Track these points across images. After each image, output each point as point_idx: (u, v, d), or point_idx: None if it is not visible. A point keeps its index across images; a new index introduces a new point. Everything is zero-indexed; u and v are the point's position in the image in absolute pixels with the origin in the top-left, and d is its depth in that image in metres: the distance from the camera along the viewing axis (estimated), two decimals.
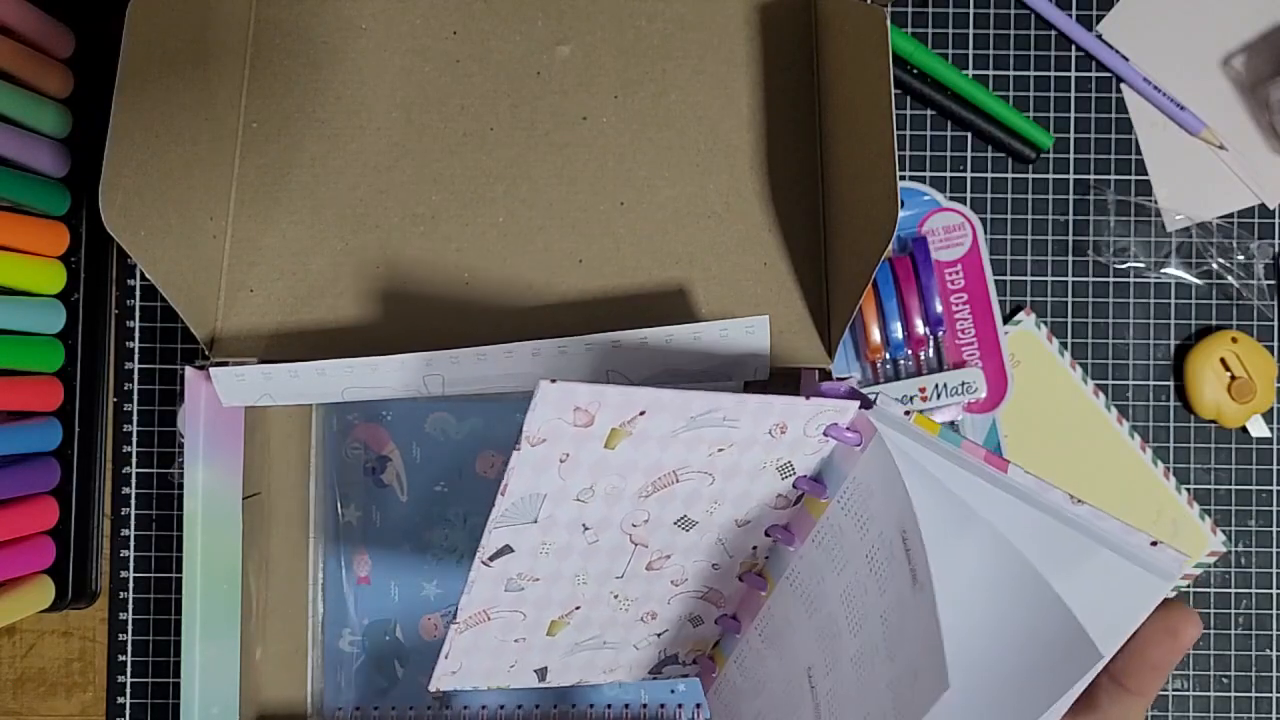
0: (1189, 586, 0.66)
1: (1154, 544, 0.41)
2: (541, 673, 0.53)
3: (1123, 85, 0.67)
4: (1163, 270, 0.66)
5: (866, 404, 0.45)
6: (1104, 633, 0.40)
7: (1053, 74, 0.67)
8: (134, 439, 0.66)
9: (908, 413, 0.44)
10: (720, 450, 0.46)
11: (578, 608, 0.51)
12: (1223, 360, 0.65)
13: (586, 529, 0.48)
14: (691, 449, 0.46)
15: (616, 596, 0.51)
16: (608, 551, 0.49)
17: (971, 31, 0.67)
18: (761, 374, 0.55)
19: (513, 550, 0.47)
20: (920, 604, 0.40)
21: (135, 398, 0.66)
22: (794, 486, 0.48)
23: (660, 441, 0.45)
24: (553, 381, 0.42)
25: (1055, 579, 0.41)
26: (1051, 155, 0.67)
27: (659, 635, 0.54)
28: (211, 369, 0.53)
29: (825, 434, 0.46)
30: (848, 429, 0.46)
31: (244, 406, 0.56)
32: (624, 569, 0.50)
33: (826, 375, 0.56)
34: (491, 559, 0.47)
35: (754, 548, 0.51)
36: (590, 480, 0.46)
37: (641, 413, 0.44)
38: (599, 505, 0.47)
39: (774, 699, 0.50)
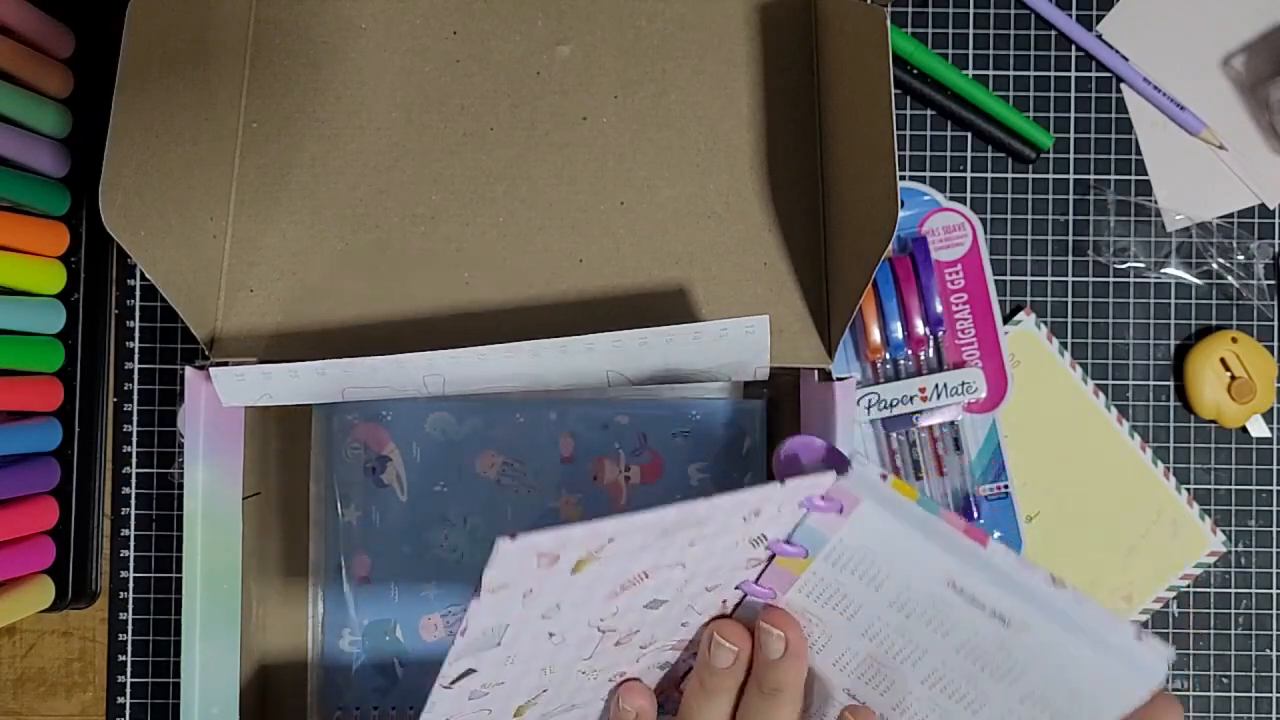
0: (1189, 586, 0.66)
1: (1139, 637, 0.39)
2: None
3: (1123, 85, 0.67)
4: (1163, 270, 0.66)
5: (843, 464, 0.43)
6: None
7: (1053, 74, 0.67)
8: (134, 439, 0.66)
9: (884, 476, 0.42)
10: (692, 545, 0.44)
11: (545, 690, 0.48)
12: (1223, 360, 0.65)
13: (552, 635, 0.45)
14: (663, 553, 0.44)
15: (584, 673, 0.49)
16: (575, 645, 0.47)
17: (971, 31, 0.67)
18: (761, 374, 0.55)
19: (475, 671, 0.45)
20: (1027, 639, 0.41)
21: (135, 398, 0.66)
22: (766, 550, 0.47)
23: (630, 555, 0.43)
24: (512, 538, 0.39)
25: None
26: (1051, 155, 0.67)
27: None
28: (211, 369, 0.53)
29: (800, 505, 0.44)
30: (823, 499, 0.44)
31: (244, 406, 0.56)
32: (592, 652, 0.48)
33: (827, 375, 0.56)
34: (453, 684, 0.45)
35: (723, 601, 0.49)
36: (556, 599, 0.43)
37: (610, 540, 0.41)
38: (566, 614, 0.44)
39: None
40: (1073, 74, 0.67)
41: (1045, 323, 0.66)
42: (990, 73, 0.67)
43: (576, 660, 0.48)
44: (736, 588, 0.48)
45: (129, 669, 0.65)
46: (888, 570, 0.43)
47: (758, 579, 0.48)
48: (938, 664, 0.44)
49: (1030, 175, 0.67)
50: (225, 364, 0.56)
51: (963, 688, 0.43)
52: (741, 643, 0.47)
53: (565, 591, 0.43)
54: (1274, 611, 0.66)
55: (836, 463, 0.43)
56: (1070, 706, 0.41)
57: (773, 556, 0.46)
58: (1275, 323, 0.66)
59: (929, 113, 0.67)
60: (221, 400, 0.54)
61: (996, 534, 0.64)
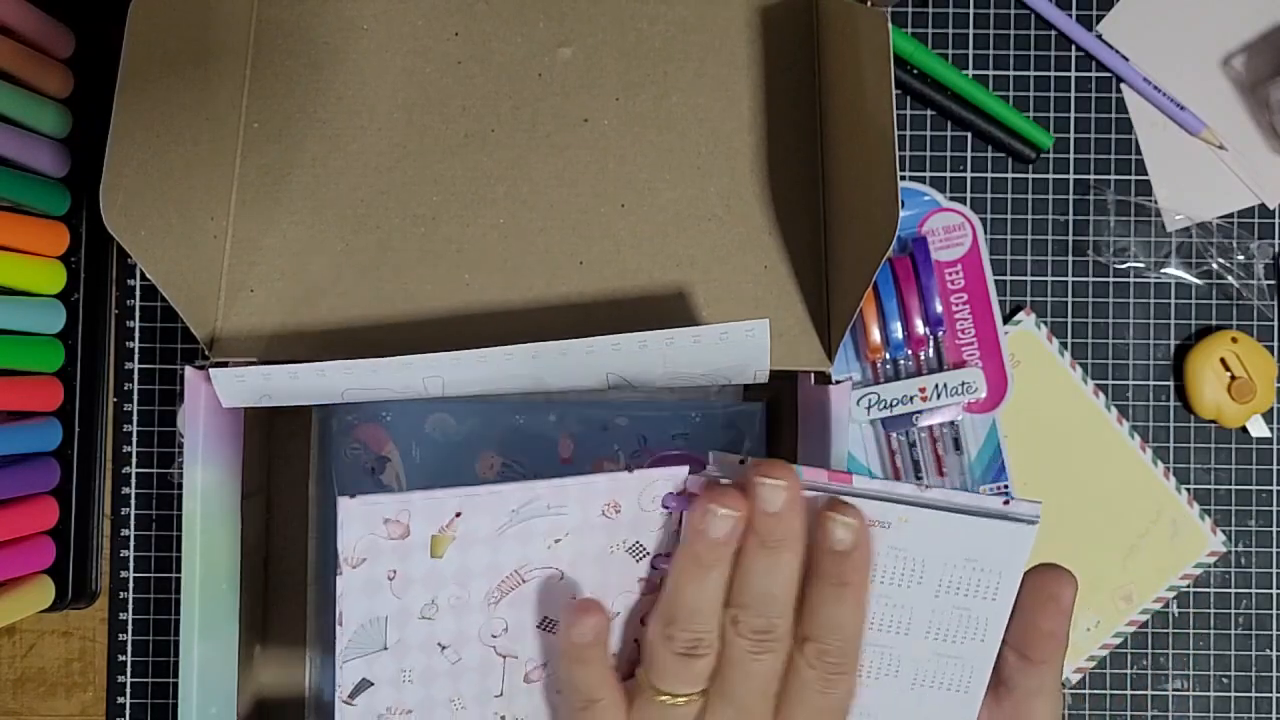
0: (1189, 586, 0.66)
1: (1006, 502, 0.42)
2: None
3: (1123, 85, 0.67)
4: (1163, 270, 0.66)
5: (698, 466, 0.44)
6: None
7: (1053, 74, 0.67)
8: (134, 439, 0.66)
9: (742, 461, 0.43)
10: (557, 540, 0.45)
11: None
12: (1223, 360, 0.65)
13: (444, 648, 0.45)
14: (526, 544, 0.44)
15: (503, 718, 0.48)
16: (476, 669, 0.47)
17: (971, 31, 0.67)
18: (761, 377, 0.54)
19: (372, 684, 0.45)
20: (910, 532, 0.43)
21: (135, 398, 0.66)
22: (654, 567, 0.47)
23: (488, 542, 0.44)
24: (352, 497, 0.42)
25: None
26: (1051, 155, 0.67)
27: None
28: (211, 370, 0.53)
29: (664, 506, 0.45)
30: (687, 495, 0.44)
31: (244, 407, 0.56)
32: (500, 686, 0.47)
33: (826, 378, 0.56)
34: (352, 696, 0.45)
35: (635, 641, 0.48)
36: (429, 595, 0.44)
37: (457, 514, 0.43)
38: (448, 620, 0.45)
39: None
40: (1073, 74, 0.67)
41: (1045, 323, 0.66)
42: (990, 73, 0.67)
43: (488, 697, 0.47)
44: (643, 623, 0.48)
45: (129, 669, 0.65)
46: None
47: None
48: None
49: (1030, 175, 0.67)
50: (225, 364, 0.56)
51: (885, 615, 0.44)
52: (740, 507, 0.42)
53: (436, 583, 0.44)
54: (1274, 611, 0.66)
55: (689, 461, 0.45)
56: (976, 578, 0.42)
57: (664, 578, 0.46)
58: (1275, 323, 0.67)
59: (929, 113, 0.67)
60: (221, 401, 0.54)
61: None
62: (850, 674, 0.42)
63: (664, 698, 0.43)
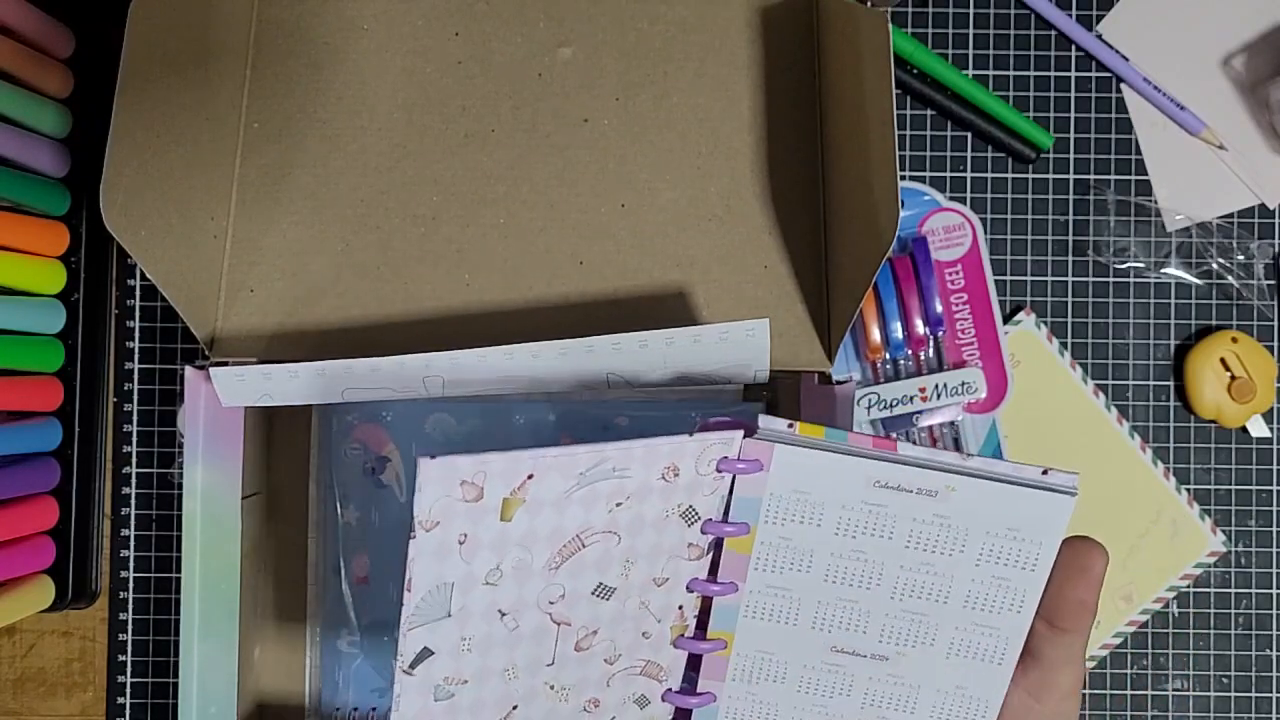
0: (1189, 586, 0.66)
1: (1044, 472, 0.43)
2: None
3: (1123, 85, 0.67)
4: (1163, 270, 0.66)
5: (750, 430, 0.45)
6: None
7: (1053, 74, 0.67)
8: (134, 439, 0.66)
9: (791, 425, 0.44)
10: (619, 505, 0.45)
11: (515, 707, 0.48)
12: (1223, 360, 0.65)
13: (503, 615, 0.46)
14: (589, 508, 0.45)
15: (553, 688, 0.49)
16: (531, 636, 0.47)
17: (971, 31, 0.67)
18: (761, 377, 0.54)
19: (433, 653, 0.45)
20: (955, 501, 0.43)
21: (135, 398, 0.66)
22: (703, 532, 0.47)
23: (556, 505, 0.44)
24: (433, 457, 0.42)
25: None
26: (1051, 155, 0.67)
27: None
28: (211, 369, 0.53)
29: (719, 470, 0.46)
30: (741, 460, 0.45)
31: (244, 406, 0.56)
32: (553, 654, 0.48)
33: (826, 378, 0.56)
34: (413, 666, 0.45)
35: (680, 607, 0.49)
36: (495, 559, 0.44)
37: (530, 476, 0.43)
38: (510, 586, 0.45)
39: (796, 699, 0.50)
40: (1073, 74, 0.67)
41: (1045, 323, 0.66)
42: (990, 73, 0.67)
43: (539, 667, 0.48)
44: (690, 590, 0.48)
45: (129, 669, 0.65)
46: (821, 501, 0.45)
47: (712, 576, 0.48)
48: (897, 571, 0.45)
49: (1030, 175, 0.67)
50: (225, 364, 0.56)
51: (926, 582, 0.45)
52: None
53: (503, 547, 0.44)
54: (1274, 611, 0.66)
55: (743, 425, 0.45)
56: (1017, 548, 0.43)
57: (720, 544, 0.47)
58: (1275, 323, 0.67)
59: (929, 113, 0.67)
60: (221, 400, 0.54)
61: None
62: None
63: None
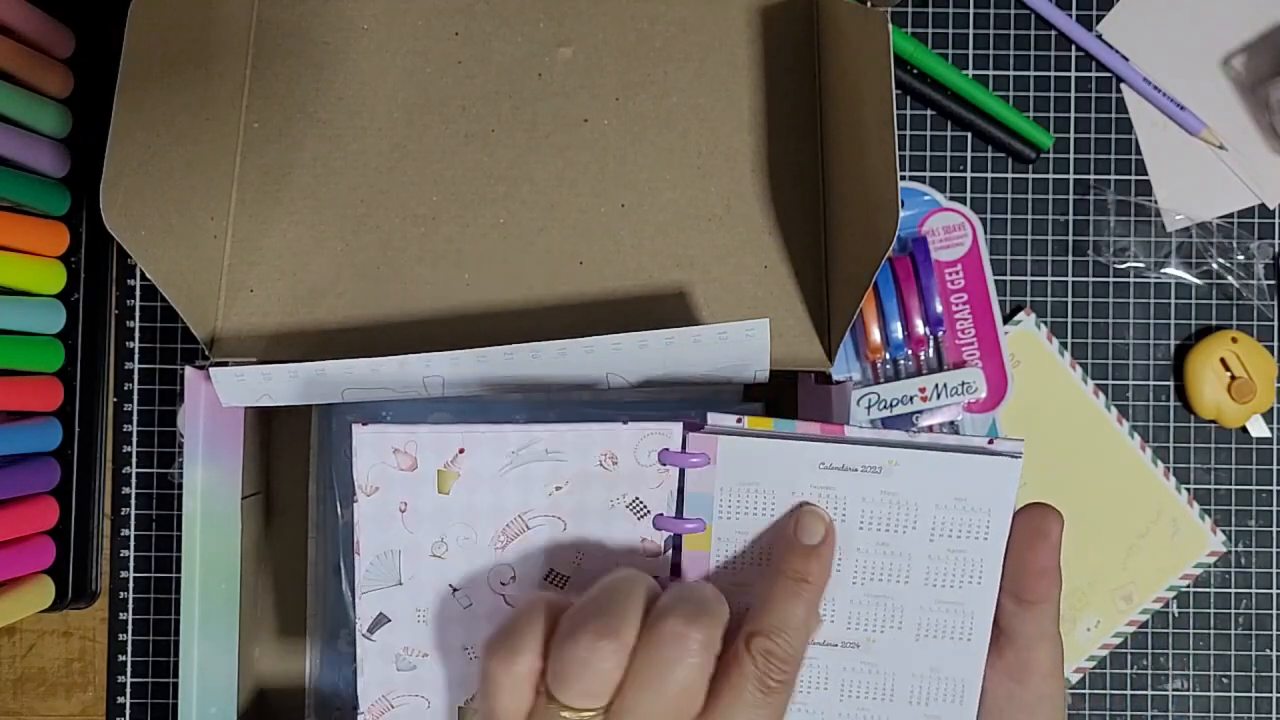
0: (1189, 586, 0.66)
1: (990, 441, 0.43)
2: None
3: (1123, 85, 0.67)
4: (1163, 270, 0.66)
5: (694, 426, 0.46)
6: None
7: (1053, 74, 0.67)
8: (134, 439, 0.66)
9: (739, 419, 0.45)
10: (558, 488, 0.47)
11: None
12: (1223, 360, 0.65)
13: (455, 590, 0.48)
14: (527, 490, 0.47)
15: None
16: (486, 617, 0.48)
17: (971, 31, 0.67)
18: (761, 377, 0.54)
19: (389, 620, 0.48)
20: (901, 475, 0.44)
21: (135, 398, 0.66)
22: (656, 528, 0.48)
23: (492, 482, 0.46)
24: (364, 424, 0.45)
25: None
26: (1051, 155, 0.67)
27: None
28: (211, 369, 0.53)
29: (661, 462, 0.46)
30: (687, 453, 0.46)
31: (244, 407, 0.56)
32: None
33: (826, 378, 0.56)
34: (371, 630, 0.48)
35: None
36: (438, 532, 0.47)
37: (460, 450, 0.46)
38: (458, 561, 0.47)
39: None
40: (1073, 74, 0.67)
41: (1045, 323, 0.66)
42: (990, 73, 0.67)
43: None
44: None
45: (129, 669, 0.65)
46: (770, 490, 0.45)
47: (675, 573, 0.48)
48: (854, 554, 0.45)
49: (1030, 175, 0.67)
50: (225, 364, 0.56)
51: (884, 564, 0.45)
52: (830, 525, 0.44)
53: (444, 520, 0.46)
54: (1274, 611, 0.66)
55: (684, 420, 0.46)
56: (967, 518, 0.44)
57: (678, 544, 0.48)
58: (1275, 323, 0.67)
59: (929, 113, 0.67)
60: (221, 401, 0.54)
61: None
62: (788, 687, 0.40)
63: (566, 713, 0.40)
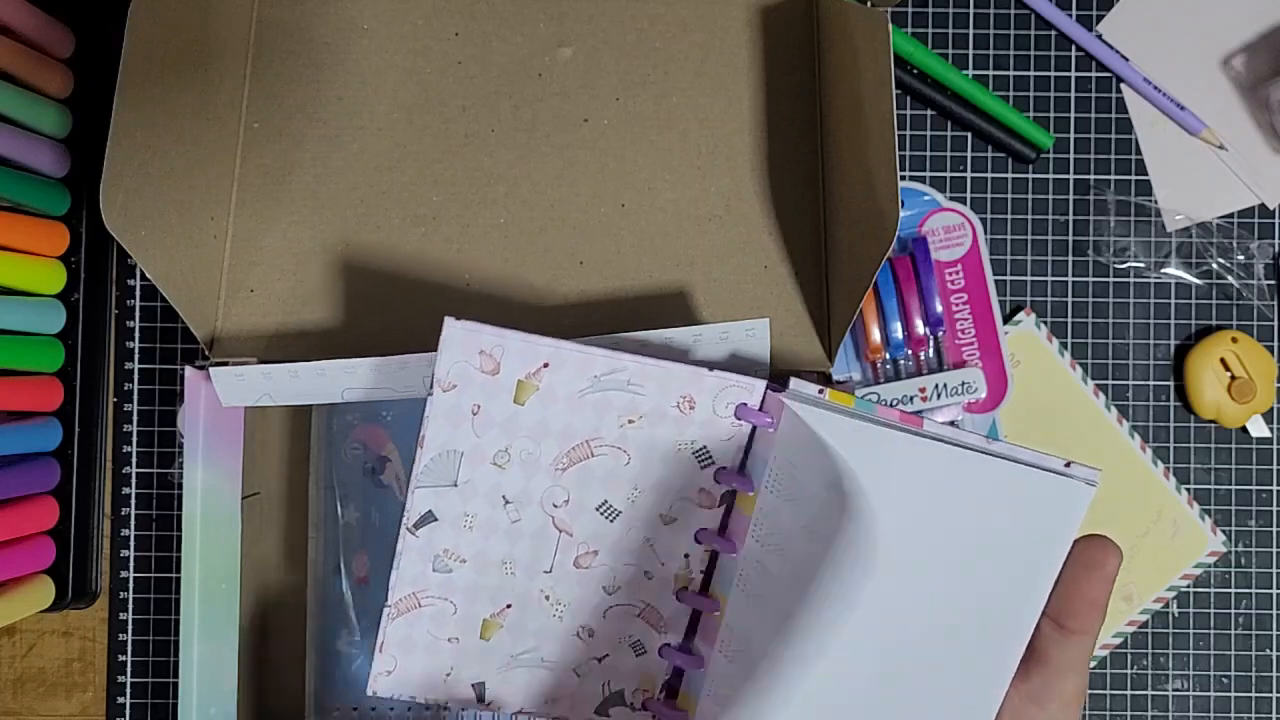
0: (1189, 586, 0.66)
1: (1067, 464, 0.42)
2: (480, 689, 0.52)
3: (1123, 85, 0.67)
4: (1163, 270, 0.66)
5: (778, 388, 0.46)
6: (1041, 545, 0.42)
7: (1053, 74, 0.67)
8: (134, 439, 0.66)
9: (821, 391, 0.44)
10: (630, 422, 0.47)
11: (509, 606, 0.51)
12: (1223, 360, 0.65)
13: (508, 503, 0.49)
14: (601, 416, 0.47)
15: (548, 599, 0.50)
16: (532, 536, 0.49)
17: (971, 31, 0.67)
18: (761, 376, 0.55)
19: (436, 519, 0.48)
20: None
21: (135, 398, 0.66)
22: (716, 480, 0.48)
23: (568, 402, 0.47)
24: (457, 319, 0.46)
25: (985, 503, 0.42)
26: (1051, 155, 0.67)
27: (600, 661, 0.52)
28: (211, 369, 0.53)
29: (737, 416, 0.47)
30: (760, 411, 0.47)
31: (244, 407, 0.56)
32: (551, 561, 0.50)
33: (826, 379, 0.56)
34: (416, 526, 0.49)
35: (685, 555, 0.50)
36: (504, 441, 0.47)
37: (545, 365, 0.46)
38: (516, 474, 0.48)
39: None
40: (1073, 74, 0.67)
41: (1045, 323, 0.66)
42: (990, 73, 0.67)
43: (537, 571, 0.50)
44: (698, 540, 0.49)
45: (129, 669, 0.65)
46: (801, 482, 0.45)
47: (722, 531, 0.49)
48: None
49: (1030, 175, 0.67)
50: (225, 364, 0.56)
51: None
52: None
53: (513, 430, 0.47)
54: (1274, 611, 0.66)
55: (769, 381, 0.47)
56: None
57: (733, 496, 0.48)
58: (1275, 323, 0.67)
59: (929, 113, 0.67)
60: (221, 401, 0.54)
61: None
62: None
63: None
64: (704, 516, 0.49)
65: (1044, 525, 0.42)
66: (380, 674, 0.51)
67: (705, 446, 0.48)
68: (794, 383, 0.45)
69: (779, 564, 0.46)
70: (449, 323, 0.46)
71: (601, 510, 0.49)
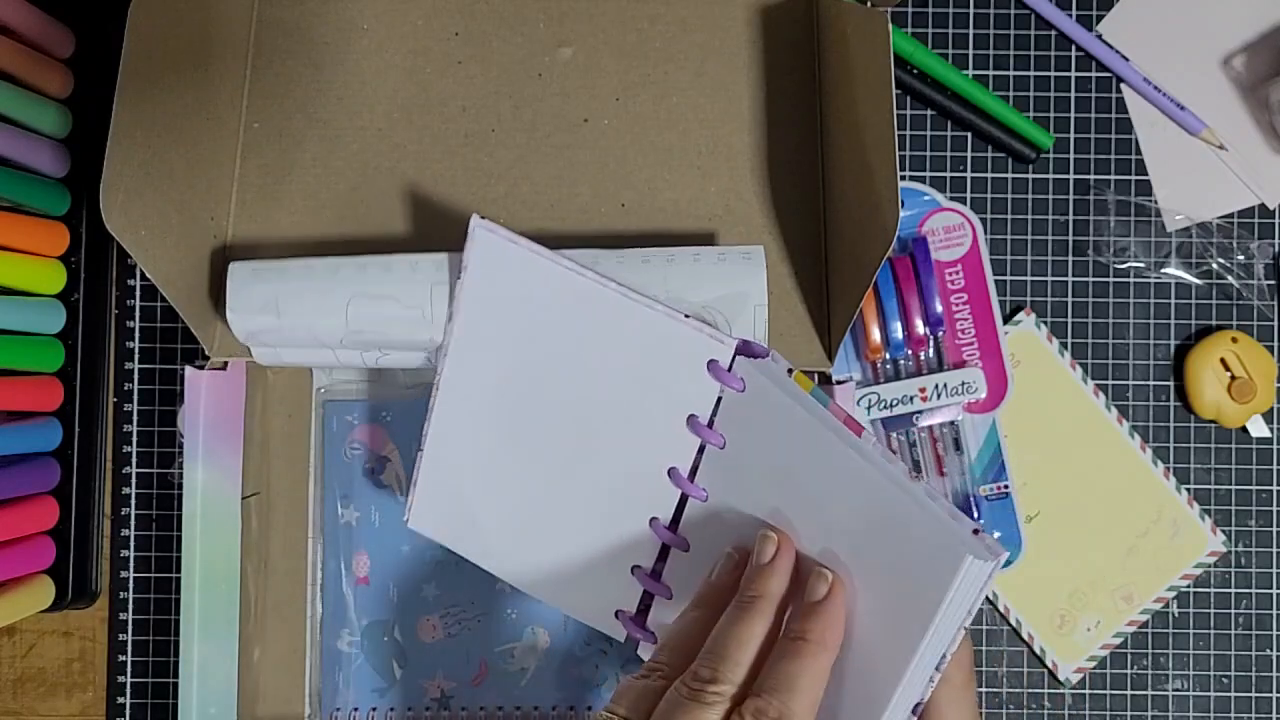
0: (1189, 586, 0.66)
1: (975, 531, 0.39)
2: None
3: (1123, 85, 0.67)
4: (1163, 270, 0.66)
5: (757, 355, 0.47)
6: (928, 592, 0.40)
7: (1053, 74, 0.67)
8: (134, 439, 0.66)
9: (790, 370, 0.46)
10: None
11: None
12: (1223, 360, 0.65)
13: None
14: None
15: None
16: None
17: (971, 31, 0.67)
18: (760, 313, 0.54)
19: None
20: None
21: (135, 398, 0.66)
22: (691, 430, 0.49)
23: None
24: (483, 217, 0.50)
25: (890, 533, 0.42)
26: (1051, 155, 0.67)
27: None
28: (230, 264, 0.54)
29: (710, 371, 0.48)
30: (731, 373, 0.48)
31: (243, 406, 0.56)
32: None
33: (826, 378, 0.56)
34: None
35: (669, 471, 0.51)
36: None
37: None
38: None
39: None
40: (1073, 74, 0.67)
41: (1045, 323, 0.66)
42: (990, 73, 0.67)
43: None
44: (670, 475, 0.50)
45: (129, 669, 0.65)
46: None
47: (691, 476, 0.50)
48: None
49: (1030, 175, 0.67)
50: (225, 364, 0.56)
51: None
52: (784, 541, 0.45)
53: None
54: (1274, 611, 0.66)
55: (746, 348, 0.48)
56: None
57: (702, 448, 0.49)
58: (1275, 323, 0.66)
59: (929, 113, 0.67)
60: (229, 305, 0.54)
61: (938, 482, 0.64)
62: None
63: (606, 713, 0.43)
64: (677, 454, 0.50)
65: (941, 567, 0.40)
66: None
67: (685, 394, 0.49)
68: (773, 355, 0.47)
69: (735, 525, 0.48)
70: (475, 220, 0.50)
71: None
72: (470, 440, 0.54)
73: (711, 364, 0.48)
